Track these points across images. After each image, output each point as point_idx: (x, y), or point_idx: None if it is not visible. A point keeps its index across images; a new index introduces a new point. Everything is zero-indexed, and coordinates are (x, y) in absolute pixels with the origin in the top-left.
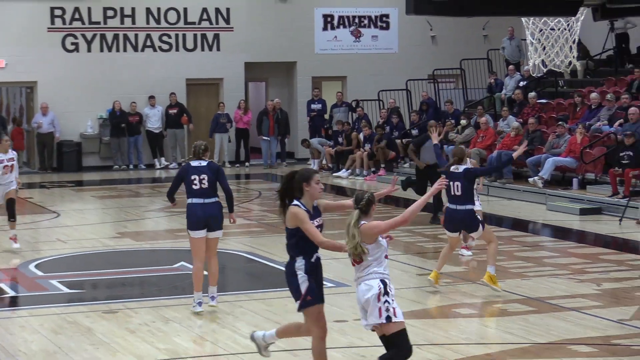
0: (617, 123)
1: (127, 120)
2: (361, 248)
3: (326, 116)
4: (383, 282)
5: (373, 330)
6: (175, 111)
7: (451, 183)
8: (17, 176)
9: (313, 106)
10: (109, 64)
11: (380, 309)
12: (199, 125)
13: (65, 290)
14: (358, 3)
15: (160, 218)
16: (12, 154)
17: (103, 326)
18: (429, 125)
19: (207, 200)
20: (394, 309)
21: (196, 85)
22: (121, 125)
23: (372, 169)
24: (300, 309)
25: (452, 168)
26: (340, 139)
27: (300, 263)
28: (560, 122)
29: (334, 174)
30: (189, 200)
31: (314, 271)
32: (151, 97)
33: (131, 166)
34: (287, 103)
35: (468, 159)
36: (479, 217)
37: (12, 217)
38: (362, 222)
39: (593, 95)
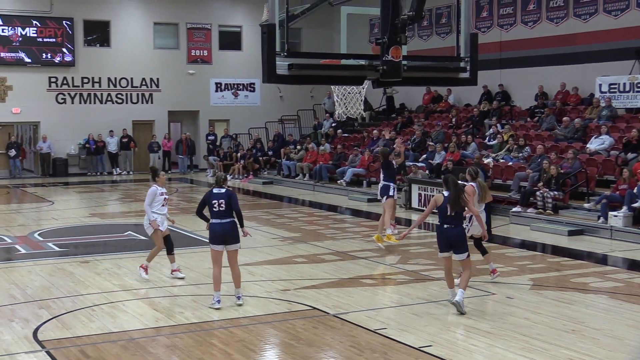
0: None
1: (97, 145)
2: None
3: (217, 143)
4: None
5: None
6: (126, 140)
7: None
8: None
9: (209, 137)
10: (85, 111)
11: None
12: (141, 148)
13: (57, 249)
14: (236, 75)
15: (116, 205)
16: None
17: (80, 271)
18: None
19: (223, 221)
20: None
21: (139, 124)
22: (91, 148)
23: (245, 175)
24: (468, 257)
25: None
26: (226, 156)
27: None
28: (355, 147)
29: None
30: (211, 220)
31: None
32: (111, 131)
33: (98, 173)
34: (194, 135)
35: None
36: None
37: (170, 250)
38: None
39: (374, 132)
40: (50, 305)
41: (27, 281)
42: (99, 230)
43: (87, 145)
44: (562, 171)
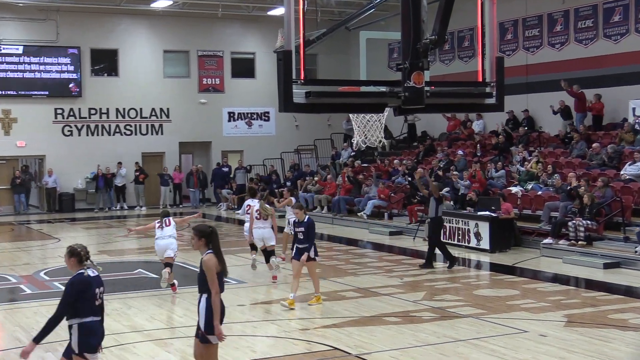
0: (409, 178)
1: (106, 178)
2: None
3: (231, 175)
4: None
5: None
6: (138, 173)
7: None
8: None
9: (223, 169)
10: (92, 143)
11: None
12: (151, 181)
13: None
14: (250, 104)
15: (125, 241)
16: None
17: None
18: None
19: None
20: None
21: (148, 156)
22: (99, 185)
23: None
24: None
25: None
26: (239, 189)
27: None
28: (370, 178)
29: (236, 212)
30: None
31: None
32: (119, 163)
33: (107, 209)
34: (206, 167)
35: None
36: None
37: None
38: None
39: (396, 161)
40: (57, 349)
41: (32, 323)
42: (108, 268)
43: (93, 180)
44: (596, 200)
